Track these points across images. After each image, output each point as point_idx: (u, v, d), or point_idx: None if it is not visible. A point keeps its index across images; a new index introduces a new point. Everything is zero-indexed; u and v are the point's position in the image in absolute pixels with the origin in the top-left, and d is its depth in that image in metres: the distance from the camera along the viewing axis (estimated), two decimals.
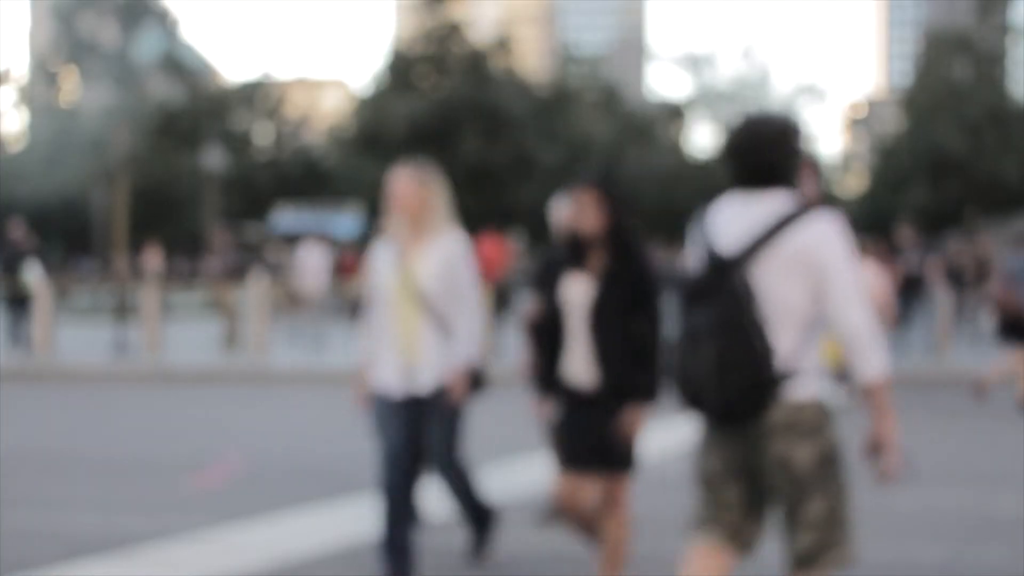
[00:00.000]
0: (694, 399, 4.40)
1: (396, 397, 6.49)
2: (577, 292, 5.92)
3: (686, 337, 4.36)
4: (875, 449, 4.35)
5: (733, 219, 4.42)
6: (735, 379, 4.29)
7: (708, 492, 4.58)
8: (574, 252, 6.00)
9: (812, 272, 4.32)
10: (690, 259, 4.54)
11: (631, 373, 5.87)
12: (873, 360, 4.29)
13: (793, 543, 4.41)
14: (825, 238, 4.32)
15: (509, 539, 7.60)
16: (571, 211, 5.97)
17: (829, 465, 4.38)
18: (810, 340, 4.38)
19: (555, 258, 6.12)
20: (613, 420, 5.90)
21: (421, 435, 6.52)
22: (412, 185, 6.60)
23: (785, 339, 4.32)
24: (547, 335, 6.01)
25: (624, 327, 5.87)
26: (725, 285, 4.30)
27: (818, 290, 4.33)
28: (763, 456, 4.39)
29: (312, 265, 24.14)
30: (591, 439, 5.93)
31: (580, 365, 5.91)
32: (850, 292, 4.31)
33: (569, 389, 5.95)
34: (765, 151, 4.40)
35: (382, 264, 6.64)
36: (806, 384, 4.35)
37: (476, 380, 6.68)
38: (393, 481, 6.40)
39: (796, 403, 4.33)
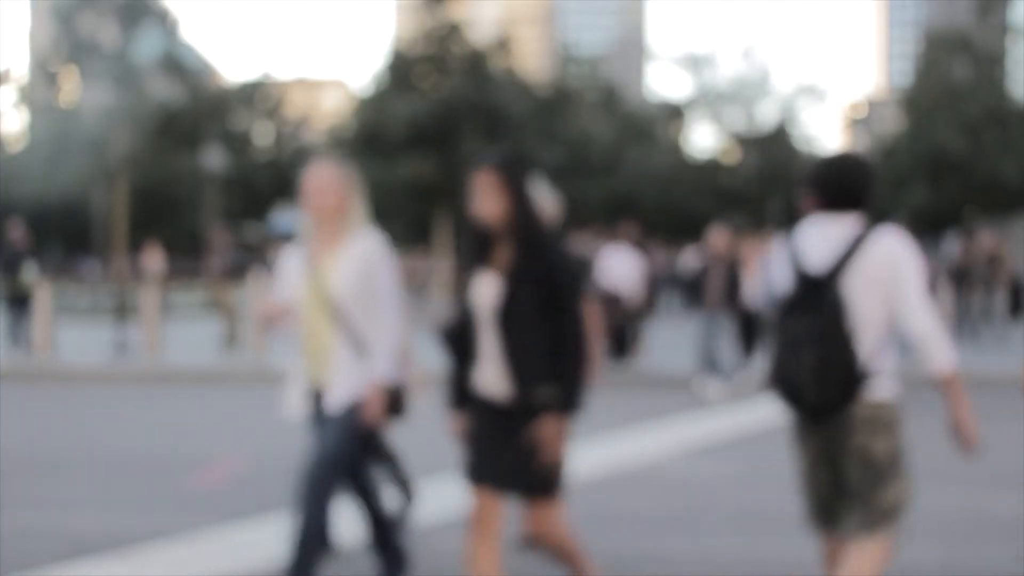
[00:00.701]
0: (793, 398, 5.09)
1: (308, 420, 5.98)
2: (484, 292, 5.28)
3: (786, 344, 5.07)
4: (954, 428, 5.07)
5: (818, 239, 5.14)
6: (832, 381, 5.00)
7: (804, 479, 5.27)
8: (480, 247, 5.34)
9: (887, 284, 5.04)
10: (776, 274, 5.25)
11: (547, 383, 5.23)
12: (944, 356, 4.97)
13: (855, 515, 5.12)
14: (896, 253, 5.06)
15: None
16: (472, 197, 5.34)
17: (900, 457, 5.13)
18: (885, 345, 5.08)
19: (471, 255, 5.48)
20: (526, 434, 5.25)
21: (369, 445, 6.12)
22: (328, 181, 5.93)
23: (866, 345, 5.03)
24: (457, 341, 5.39)
25: (538, 331, 5.22)
26: (820, 299, 5.03)
27: (890, 298, 5.05)
28: (844, 446, 5.10)
29: None
30: (506, 457, 5.25)
31: (492, 374, 5.28)
32: (919, 298, 5.02)
33: (482, 401, 5.32)
34: (848, 181, 5.17)
35: (292, 270, 6.01)
36: (884, 385, 5.08)
37: (394, 403, 6.05)
38: (353, 494, 6.08)
39: (876, 402, 5.06)
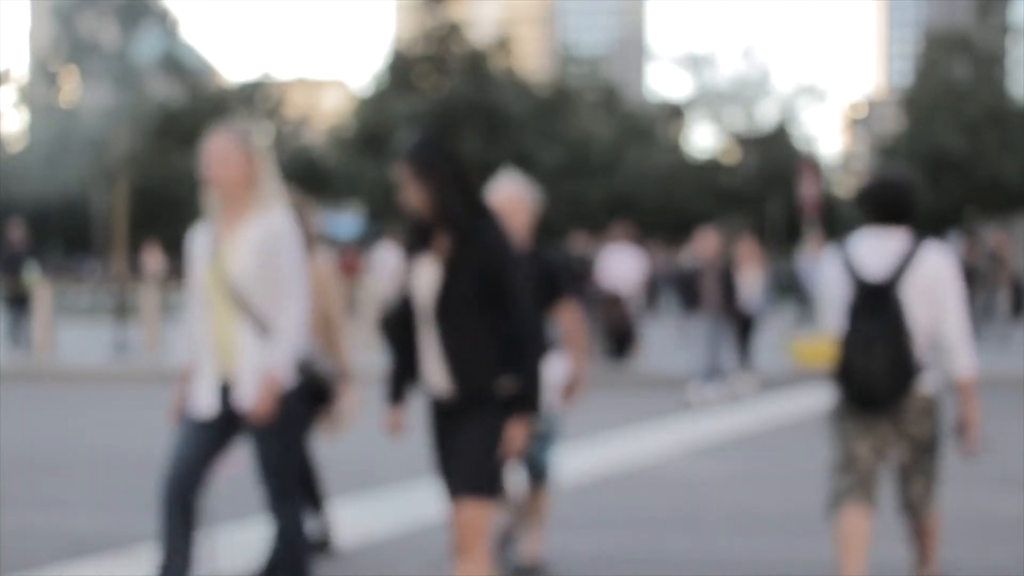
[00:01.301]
0: (861, 389, 5.76)
1: (210, 412, 5.43)
2: (424, 281, 4.98)
3: (857, 343, 5.75)
4: (962, 428, 5.80)
5: (872, 251, 5.82)
6: (900, 375, 5.71)
7: (846, 450, 5.89)
8: (420, 236, 5.01)
9: (933, 293, 5.76)
10: (832, 279, 5.91)
11: (491, 379, 4.91)
12: (967, 363, 5.76)
13: (908, 489, 5.96)
14: (943, 267, 5.80)
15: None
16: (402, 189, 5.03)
17: (939, 437, 5.95)
18: (930, 346, 5.82)
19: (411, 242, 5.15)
20: (471, 434, 4.92)
21: (217, 458, 5.45)
22: (229, 152, 5.38)
23: (918, 344, 5.77)
24: (398, 332, 5.08)
25: (478, 322, 4.89)
26: (884, 304, 5.73)
27: (934, 305, 5.77)
28: (896, 430, 5.86)
29: (391, 266, 22.86)
30: (454, 457, 4.98)
31: (434, 368, 4.98)
32: (956, 309, 5.78)
33: (430, 398, 5.07)
34: (898, 198, 5.82)
35: (197, 252, 5.50)
36: (929, 381, 5.85)
37: (318, 390, 5.78)
38: (170, 502, 5.41)
39: (924, 395, 5.84)
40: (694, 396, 15.74)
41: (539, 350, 4.98)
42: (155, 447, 11.85)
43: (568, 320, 6.74)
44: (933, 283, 5.76)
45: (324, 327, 6.62)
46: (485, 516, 4.93)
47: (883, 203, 5.84)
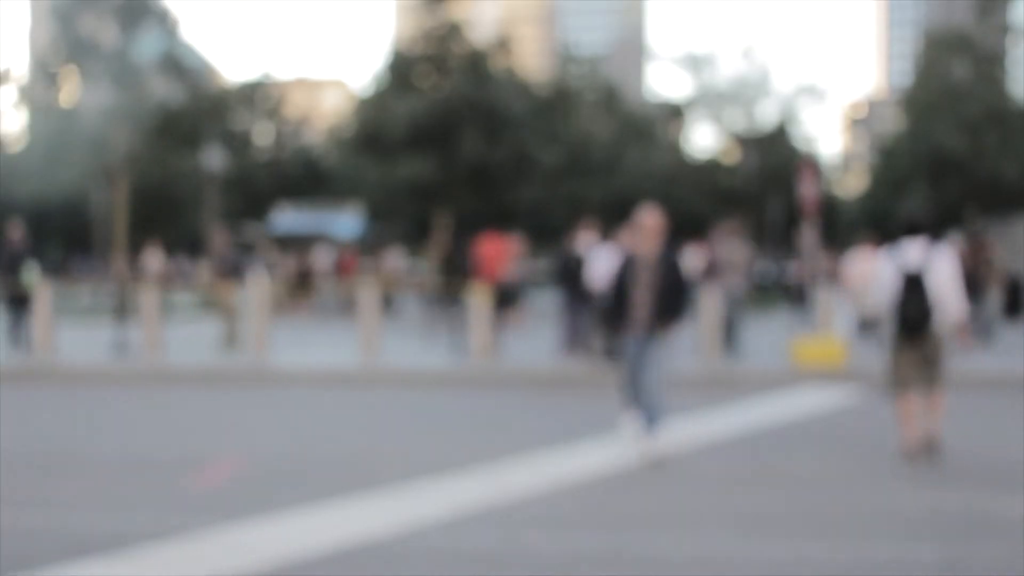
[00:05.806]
0: (909, 323, 10.64)
1: None
2: None
3: (907, 301, 10.62)
4: (959, 339, 11.01)
5: (909, 250, 10.71)
6: (926, 318, 10.59)
7: (899, 360, 10.74)
8: None
9: (942, 276, 10.59)
10: (887, 269, 10.78)
11: None
12: (959, 309, 10.70)
13: (929, 377, 10.72)
14: (946, 262, 10.67)
15: (504, 539, 7.59)
16: None
17: (947, 349, 10.83)
18: (939, 304, 10.68)
19: None
20: None
21: None
22: None
23: (936, 303, 10.72)
24: None
25: None
26: (919, 283, 10.61)
27: (943, 280, 10.60)
28: (925, 346, 10.68)
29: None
30: None
31: None
32: (953, 283, 10.67)
33: None
34: (920, 223, 10.81)
35: None
36: (939, 324, 10.68)
37: None
38: None
39: (937, 332, 10.69)
40: (627, 433, 11.53)
41: None
42: (155, 447, 11.87)
43: None
44: (941, 271, 10.58)
45: None
46: None
47: (911, 226, 10.77)
